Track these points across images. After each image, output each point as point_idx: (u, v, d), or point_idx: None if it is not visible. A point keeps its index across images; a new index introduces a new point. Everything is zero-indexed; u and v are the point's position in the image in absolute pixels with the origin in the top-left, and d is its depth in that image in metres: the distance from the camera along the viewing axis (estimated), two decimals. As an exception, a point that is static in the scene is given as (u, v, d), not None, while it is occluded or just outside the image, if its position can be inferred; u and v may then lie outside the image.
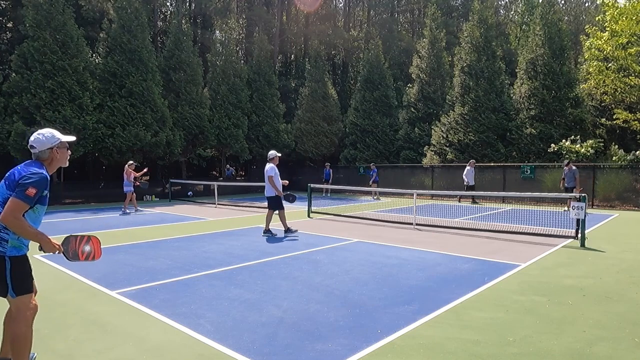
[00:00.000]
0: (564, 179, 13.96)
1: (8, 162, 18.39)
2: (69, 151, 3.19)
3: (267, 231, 9.39)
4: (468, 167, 16.81)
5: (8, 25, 21.65)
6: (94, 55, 19.33)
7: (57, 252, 2.97)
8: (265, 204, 9.88)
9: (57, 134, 3.06)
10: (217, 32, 30.21)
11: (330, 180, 21.15)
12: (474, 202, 17.06)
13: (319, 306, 4.62)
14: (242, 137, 22.87)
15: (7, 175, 2.93)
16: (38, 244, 2.92)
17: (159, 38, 25.91)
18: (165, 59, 20.99)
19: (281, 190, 9.36)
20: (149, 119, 18.32)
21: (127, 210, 14.03)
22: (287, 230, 9.34)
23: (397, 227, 10.50)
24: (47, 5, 16.27)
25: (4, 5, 21.19)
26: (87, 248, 3.23)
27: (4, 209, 2.76)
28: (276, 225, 9.78)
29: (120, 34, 18.23)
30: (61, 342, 3.76)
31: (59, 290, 5.31)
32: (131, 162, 14.51)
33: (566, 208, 14.23)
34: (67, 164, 3.21)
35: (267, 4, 32.73)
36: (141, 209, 14.52)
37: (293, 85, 31.01)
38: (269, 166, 9.34)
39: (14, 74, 16.48)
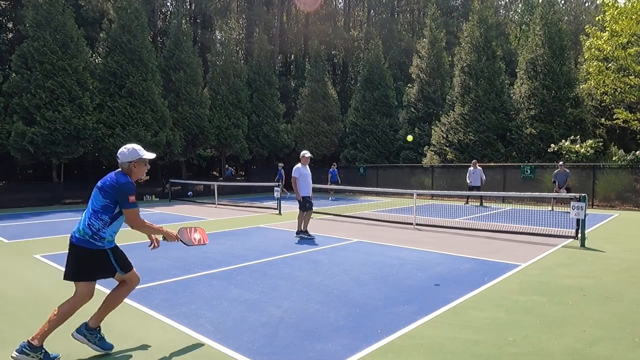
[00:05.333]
0: (555, 182, 13.76)
1: (8, 162, 18.41)
2: (147, 166, 3.68)
3: (299, 232, 9.11)
4: (470, 168, 16.33)
5: (8, 25, 21.65)
6: (94, 55, 19.33)
7: (175, 241, 3.75)
8: (266, 203, 9.80)
9: (140, 150, 3.58)
10: (217, 32, 30.20)
11: (282, 182, 20.28)
12: (480, 203, 16.52)
13: (319, 306, 4.62)
14: (242, 137, 22.87)
15: (100, 185, 3.45)
16: (161, 236, 3.67)
17: (159, 38, 25.90)
18: (165, 59, 20.99)
19: (301, 195, 8.93)
20: (149, 119, 18.32)
21: None
22: (304, 232, 9.01)
23: (397, 227, 10.49)
24: (47, 5, 16.27)
25: (4, 5, 21.19)
26: (197, 236, 3.94)
27: (128, 222, 3.45)
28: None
29: (120, 34, 18.23)
30: (61, 342, 3.76)
31: (59, 290, 5.30)
32: None
33: (550, 207, 14.30)
34: (145, 176, 3.81)
35: (267, 4, 32.72)
36: (143, 209, 14.51)
37: (293, 85, 31.03)
38: (295, 167, 9.00)
39: (14, 74, 16.47)
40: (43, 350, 3.36)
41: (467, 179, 16.36)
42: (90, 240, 3.36)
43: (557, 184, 13.66)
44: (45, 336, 3.39)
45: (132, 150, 3.54)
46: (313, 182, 9.41)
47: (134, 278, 3.69)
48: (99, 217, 3.37)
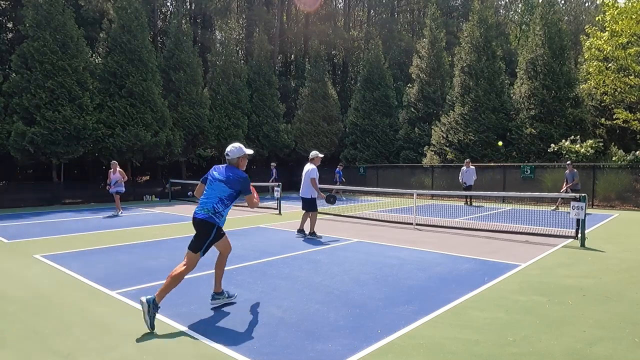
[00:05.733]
0: (566, 180, 13.73)
1: (8, 162, 18.40)
2: (247, 159, 4.69)
3: (300, 231, 9.18)
4: (463, 167, 16.35)
5: (8, 25, 21.65)
6: (94, 55, 19.32)
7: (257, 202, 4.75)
8: (266, 203, 9.79)
9: (243, 148, 4.61)
10: (217, 32, 30.19)
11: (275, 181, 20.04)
12: (469, 203, 16.61)
13: (319, 306, 4.62)
14: (242, 137, 22.85)
15: (223, 179, 4.48)
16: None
17: (159, 38, 25.90)
18: (165, 59, 20.98)
19: (314, 195, 9.00)
20: (149, 119, 18.31)
21: (119, 213, 13.44)
22: (313, 234, 9.01)
23: (397, 227, 10.49)
24: (47, 5, 16.26)
25: (4, 5, 21.18)
26: (255, 194, 4.67)
27: (249, 203, 4.59)
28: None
29: (120, 34, 18.22)
30: (61, 342, 3.76)
31: (59, 290, 5.31)
32: (115, 161, 13.87)
33: (554, 208, 14.30)
34: (244, 168, 4.65)
35: (267, 4, 32.72)
36: (144, 209, 14.50)
37: (293, 85, 31.01)
38: (310, 167, 8.96)
39: (14, 74, 16.47)
40: (224, 293, 4.73)
41: (459, 178, 16.44)
42: (212, 216, 4.39)
43: (566, 182, 13.68)
44: (219, 281, 4.72)
45: (239, 148, 4.57)
46: (319, 183, 9.38)
47: (191, 264, 4.37)
48: (223, 202, 4.43)
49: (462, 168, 16.40)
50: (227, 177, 4.46)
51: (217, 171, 4.58)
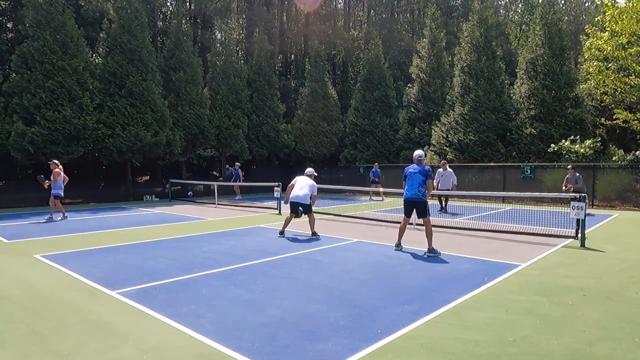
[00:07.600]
0: (567, 181, 12.95)
1: (8, 162, 18.39)
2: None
3: (282, 233, 9.31)
4: (439, 170, 14.18)
5: (8, 25, 21.64)
6: (94, 55, 19.30)
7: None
8: (266, 203, 9.80)
9: (424, 153, 8.16)
10: (217, 32, 30.18)
11: (239, 181, 19.74)
12: (445, 208, 14.18)
13: (319, 306, 4.62)
14: (242, 137, 22.85)
15: (416, 172, 7.48)
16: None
17: (159, 38, 25.89)
18: (165, 59, 20.97)
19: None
20: (149, 119, 18.30)
21: (55, 217, 12.49)
22: (315, 234, 9.21)
23: (397, 227, 10.44)
24: (47, 5, 16.25)
25: (4, 5, 21.18)
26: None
27: (429, 187, 7.61)
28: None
29: (120, 34, 18.21)
30: (61, 342, 3.76)
31: (59, 290, 5.31)
32: (57, 161, 12.70)
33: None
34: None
35: (267, 4, 32.71)
36: (144, 209, 14.47)
37: (293, 85, 31.00)
38: (310, 182, 9.37)
39: (14, 74, 16.45)
40: (435, 249, 7.21)
41: (434, 182, 14.04)
42: (421, 196, 7.39)
43: (566, 183, 12.98)
44: (431, 242, 7.29)
45: (424, 153, 7.70)
46: (318, 183, 9.79)
47: (429, 222, 7.40)
48: (421, 185, 7.34)
49: (439, 170, 14.17)
50: (420, 171, 7.39)
51: (412, 169, 7.47)
